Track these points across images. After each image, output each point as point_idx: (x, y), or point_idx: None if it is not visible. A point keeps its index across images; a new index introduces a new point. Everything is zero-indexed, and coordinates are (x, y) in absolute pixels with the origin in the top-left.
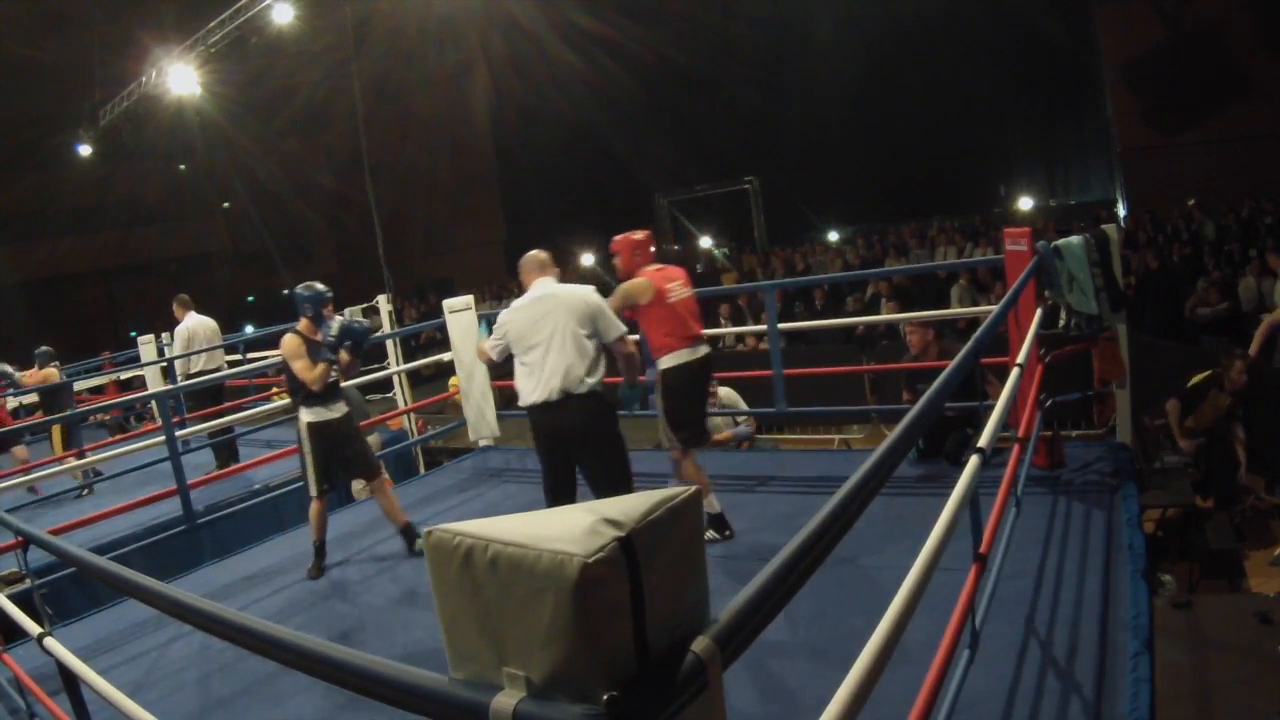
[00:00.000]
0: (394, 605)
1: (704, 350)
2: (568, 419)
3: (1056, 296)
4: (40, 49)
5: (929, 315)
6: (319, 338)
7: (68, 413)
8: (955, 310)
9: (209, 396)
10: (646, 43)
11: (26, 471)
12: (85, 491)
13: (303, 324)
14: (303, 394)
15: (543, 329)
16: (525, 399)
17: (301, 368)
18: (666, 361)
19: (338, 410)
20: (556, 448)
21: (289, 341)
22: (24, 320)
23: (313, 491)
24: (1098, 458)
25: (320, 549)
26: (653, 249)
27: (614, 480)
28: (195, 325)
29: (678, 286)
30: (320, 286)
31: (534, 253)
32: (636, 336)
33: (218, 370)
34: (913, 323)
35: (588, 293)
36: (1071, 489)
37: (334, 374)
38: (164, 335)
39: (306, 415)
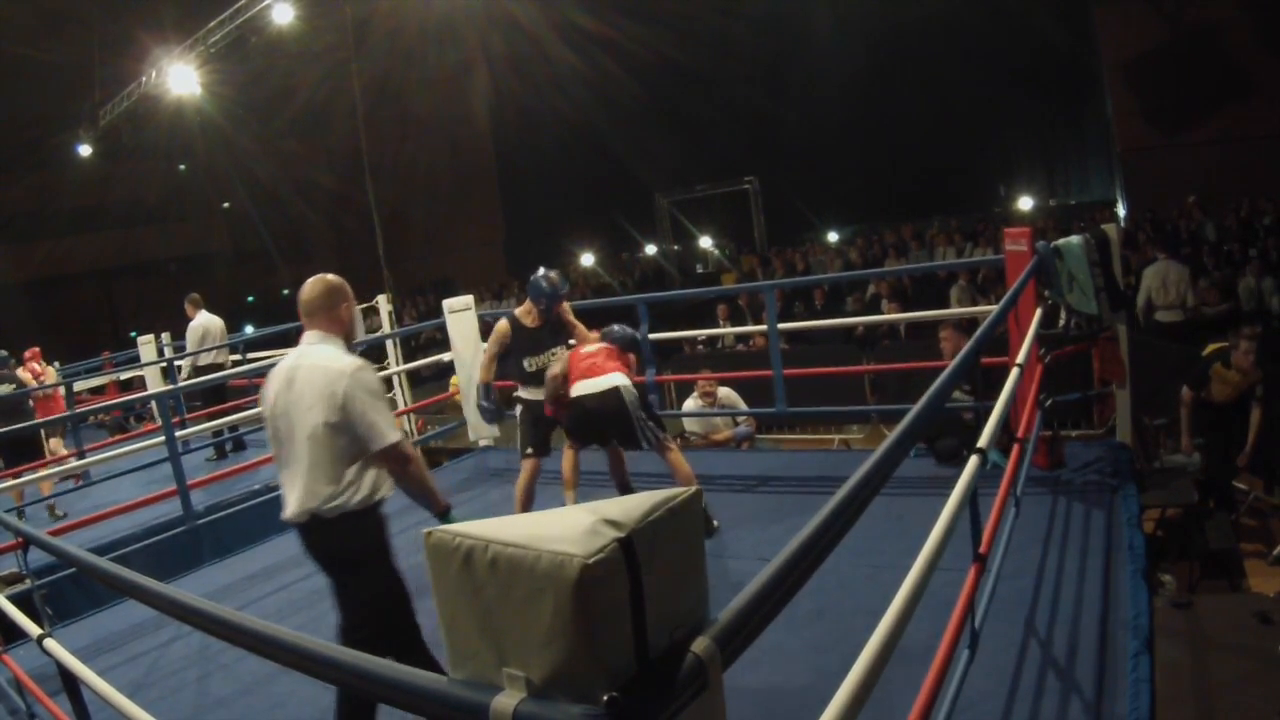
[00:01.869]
0: None
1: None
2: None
3: (1056, 296)
4: (40, 49)
5: (929, 315)
6: (533, 324)
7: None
8: (955, 310)
9: (213, 393)
10: (646, 42)
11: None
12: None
13: (525, 307)
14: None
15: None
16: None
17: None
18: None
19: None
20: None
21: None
22: (24, 320)
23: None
24: (1098, 457)
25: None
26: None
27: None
28: (207, 322)
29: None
30: (543, 282)
31: (316, 280)
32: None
33: (223, 367)
34: (947, 327)
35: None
36: (1071, 489)
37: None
38: (164, 335)
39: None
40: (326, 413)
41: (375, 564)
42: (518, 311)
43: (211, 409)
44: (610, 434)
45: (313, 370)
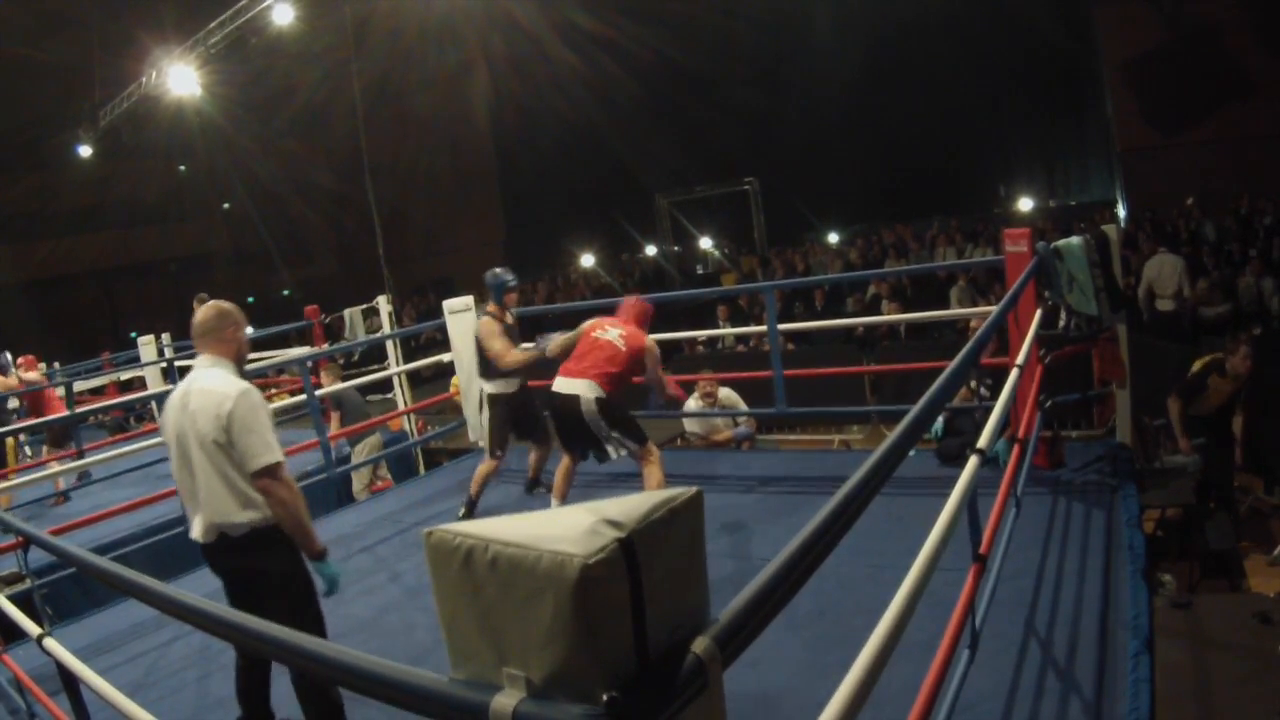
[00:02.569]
0: (394, 605)
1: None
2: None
3: (1056, 297)
4: (40, 49)
5: (928, 316)
6: (510, 321)
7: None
8: (955, 311)
9: None
10: (646, 43)
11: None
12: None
13: (492, 307)
14: (492, 369)
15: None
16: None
17: (501, 347)
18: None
19: (515, 386)
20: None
21: (486, 323)
22: (24, 320)
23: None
24: (1098, 458)
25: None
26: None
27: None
28: None
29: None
30: (507, 275)
31: (208, 305)
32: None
33: None
34: (979, 319)
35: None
36: (1071, 489)
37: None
38: (164, 335)
39: (490, 387)
40: (217, 432)
41: (283, 585)
42: (490, 310)
43: None
44: (575, 439)
45: (202, 394)
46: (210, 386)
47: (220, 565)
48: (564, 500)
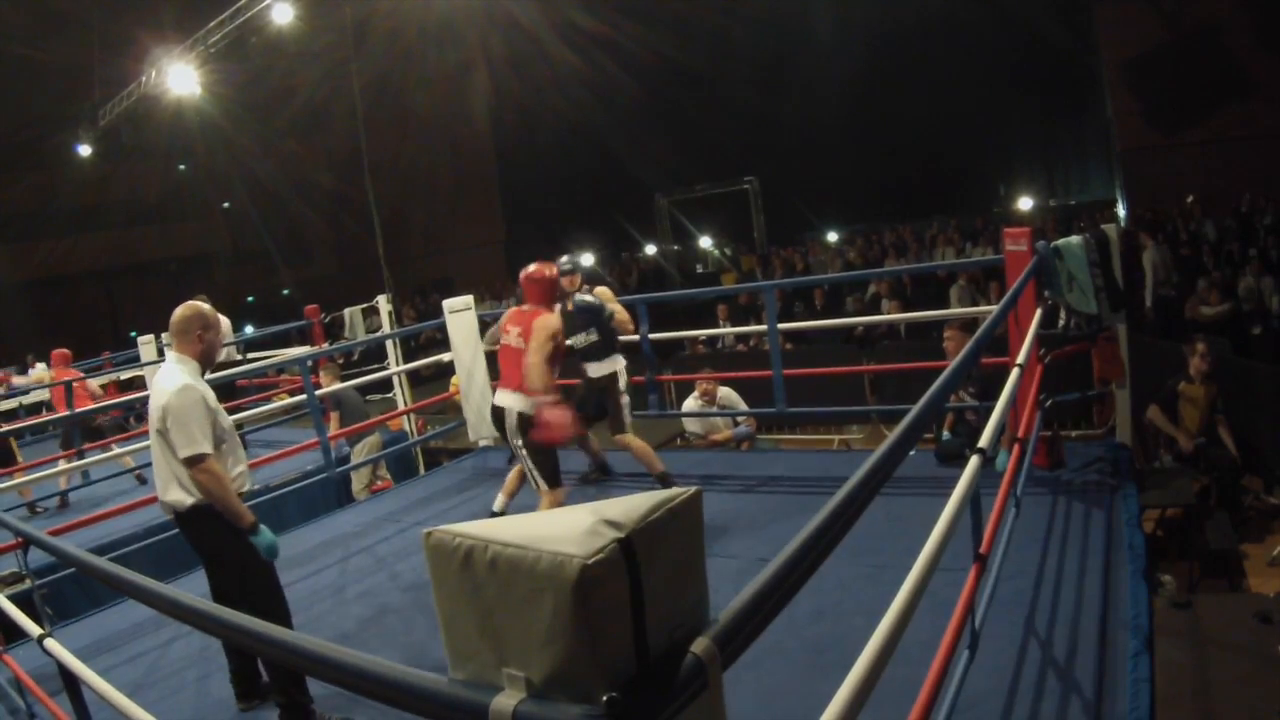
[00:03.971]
0: (394, 606)
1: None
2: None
3: (1056, 296)
4: (40, 49)
5: (928, 315)
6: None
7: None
8: (955, 310)
9: (223, 391)
10: (646, 43)
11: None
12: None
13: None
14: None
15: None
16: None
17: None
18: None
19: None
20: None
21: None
22: (24, 320)
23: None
24: (1097, 457)
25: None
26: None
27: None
28: (225, 324)
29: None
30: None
31: (183, 305)
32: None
33: (230, 365)
34: (952, 327)
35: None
36: (1071, 489)
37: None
38: (164, 335)
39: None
40: (158, 422)
41: (233, 559)
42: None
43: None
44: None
45: (155, 387)
46: (160, 382)
47: (182, 536)
48: (510, 498)
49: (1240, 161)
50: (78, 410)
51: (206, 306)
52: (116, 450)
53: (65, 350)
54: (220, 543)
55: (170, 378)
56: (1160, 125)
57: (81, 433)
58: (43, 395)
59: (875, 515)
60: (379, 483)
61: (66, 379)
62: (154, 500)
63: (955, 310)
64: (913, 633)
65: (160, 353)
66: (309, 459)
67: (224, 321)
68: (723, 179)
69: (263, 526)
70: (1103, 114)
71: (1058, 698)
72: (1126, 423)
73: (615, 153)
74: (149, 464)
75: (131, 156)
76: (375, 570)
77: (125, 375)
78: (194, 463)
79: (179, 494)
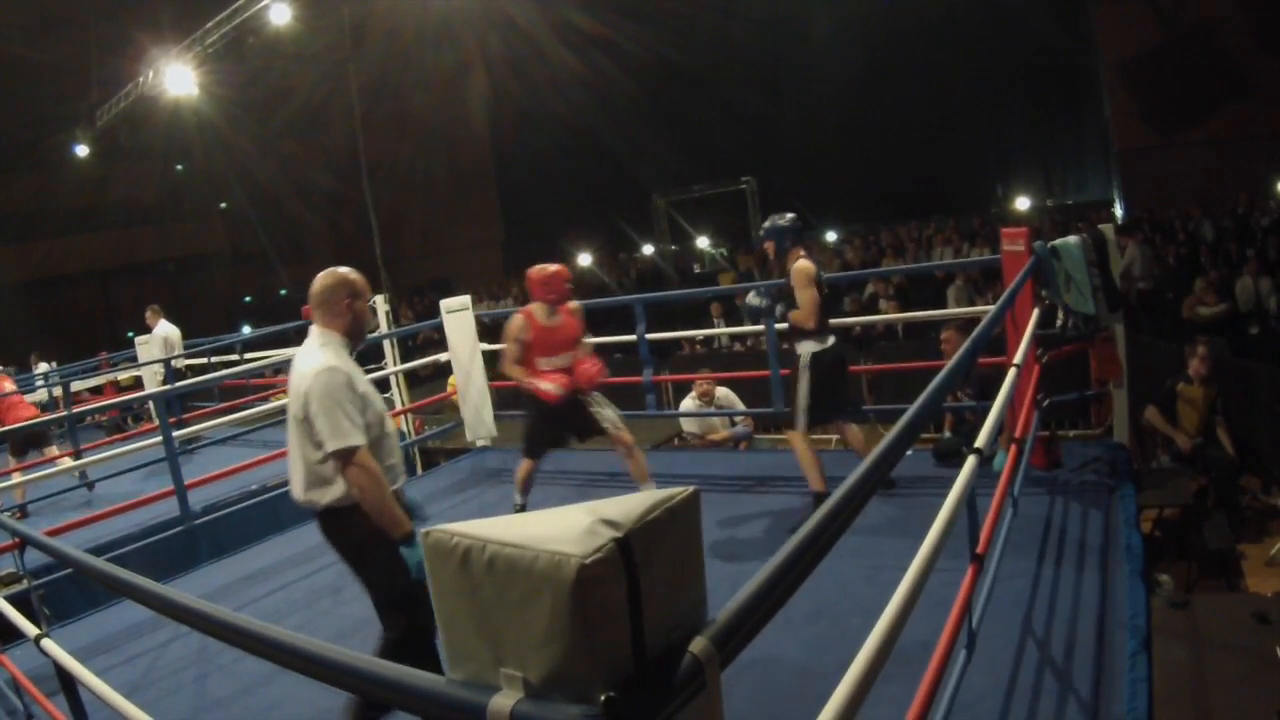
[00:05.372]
0: None
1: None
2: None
3: (1054, 297)
4: (37, 49)
5: (926, 315)
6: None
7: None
8: (953, 310)
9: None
10: (644, 43)
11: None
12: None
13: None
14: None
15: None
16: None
17: (808, 298)
18: None
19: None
20: None
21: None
22: (22, 320)
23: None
24: (1095, 458)
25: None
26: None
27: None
28: (169, 332)
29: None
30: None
31: (324, 273)
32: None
33: (184, 375)
34: (949, 328)
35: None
36: (1069, 489)
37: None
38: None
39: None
40: (298, 409)
41: (374, 562)
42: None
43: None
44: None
45: (294, 369)
46: (299, 363)
47: (323, 534)
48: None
49: (1238, 161)
50: (10, 425)
51: (355, 273)
52: (62, 459)
53: None
54: (361, 547)
55: (311, 358)
56: (1158, 125)
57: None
58: None
59: (872, 515)
60: None
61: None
62: (151, 501)
63: (953, 310)
64: (910, 633)
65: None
66: None
67: (173, 331)
68: (720, 179)
69: (417, 539)
70: (1100, 114)
71: (1055, 698)
72: (1124, 423)
73: (613, 153)
74: (104, 478)
75: (129, 157)
76: None
77: (123, 375)
78: (344, 456)
79: (313, 492)
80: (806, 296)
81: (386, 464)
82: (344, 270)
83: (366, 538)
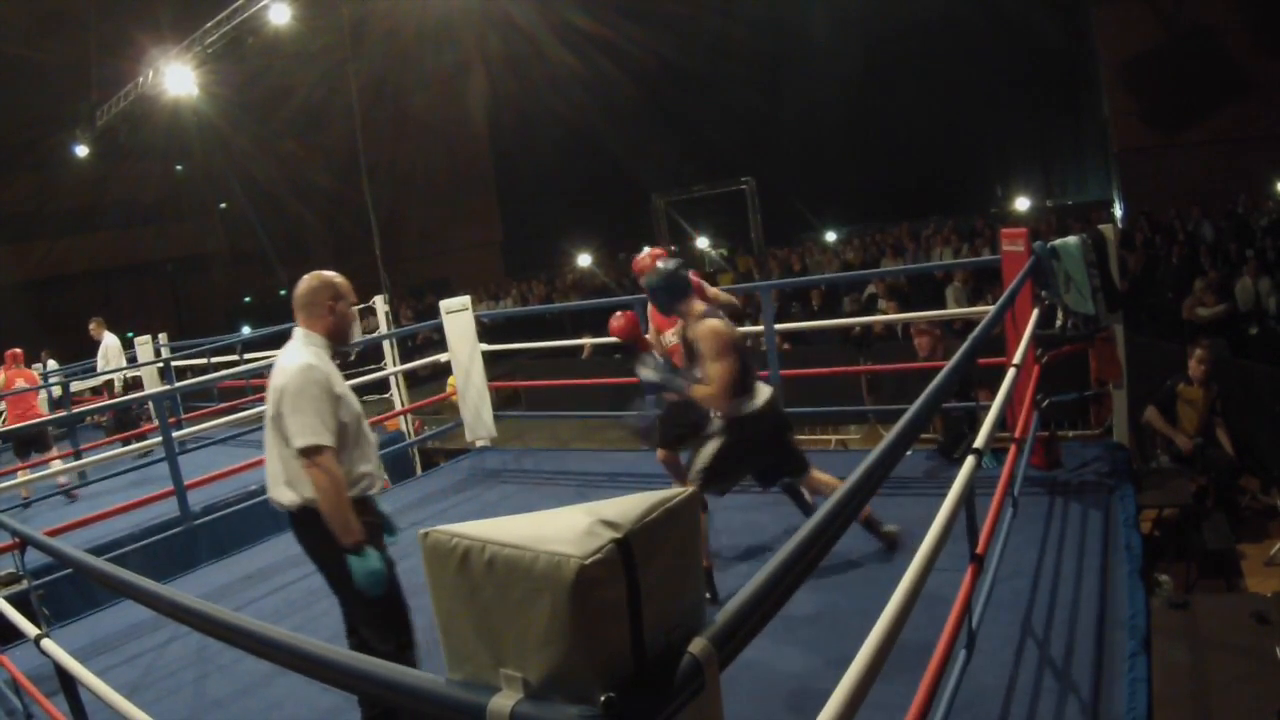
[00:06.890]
0: None
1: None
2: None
3: (1053, 297)
4: (37, 49)
5: (927, 315)
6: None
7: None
8: (953, 310)
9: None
10: (644, 43)
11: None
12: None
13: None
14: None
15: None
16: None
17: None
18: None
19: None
20: None
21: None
22: (21, 320)
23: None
24: (1095, 458)
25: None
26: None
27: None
28: (115, 343)
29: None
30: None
31: (307, 276)
32: None
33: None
34: (919, 325)
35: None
36: (1069, 489)
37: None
38: (161, 335)
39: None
40: (274, 407)
41: (337, 566)
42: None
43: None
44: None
45: (275, 368)
46: (280, 361)
47: (295, 535)
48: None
49: (1237, 162)
50: (13, 425)
51: (338, 276)
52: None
53: (17, 350)
54: (330, 551)
55: (292, 355)
56: (1157, 126)
57: (25, 443)
58: None
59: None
60: None
61: (18, 380)
62: (150, 501)
63: (952, 310)
64: (909, 633)
65: (157, 352)
66: None
67: (112, 340)
68: (720, 179)
69: (370, 550)
70: (1100, 114)
71: (1055, 698)
72: (1124, 423)
73: (612, 153)
74: (89, 482)
75: (129, 157)
76: None
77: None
78: (308, 454)
79: (286, 491)
80: (718, 370)
81: (362, 469)
82: (328, 273)
83: (333, 539)
